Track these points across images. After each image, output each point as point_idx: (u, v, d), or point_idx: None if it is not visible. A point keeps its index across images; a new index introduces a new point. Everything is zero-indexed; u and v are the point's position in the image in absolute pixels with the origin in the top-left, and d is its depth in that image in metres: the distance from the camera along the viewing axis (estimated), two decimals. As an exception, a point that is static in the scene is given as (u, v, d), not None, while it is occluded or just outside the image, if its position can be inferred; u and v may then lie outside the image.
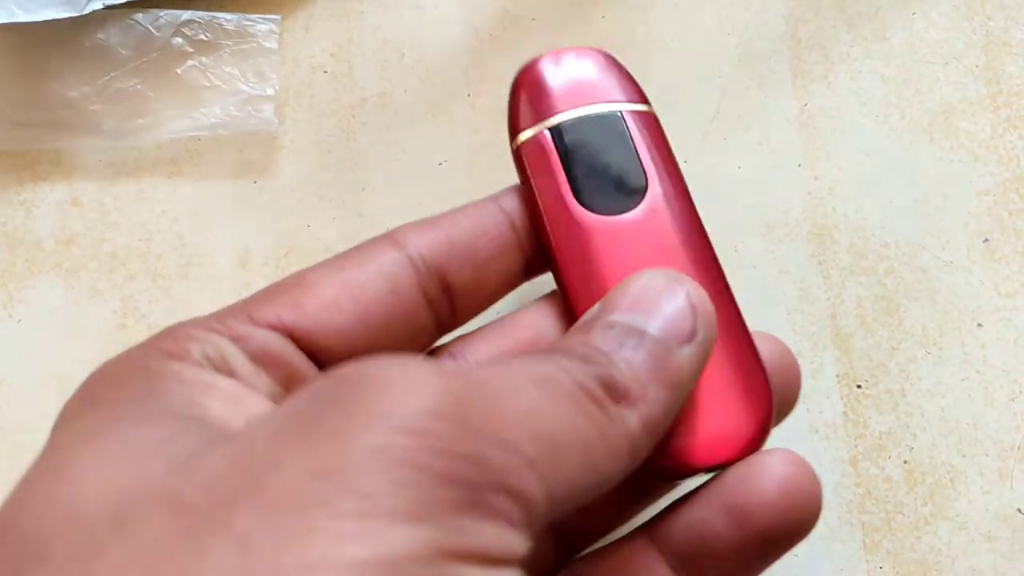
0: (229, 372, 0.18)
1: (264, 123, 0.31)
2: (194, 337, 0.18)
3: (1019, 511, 0.28)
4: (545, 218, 0.21)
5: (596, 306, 0.19)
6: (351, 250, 0.21)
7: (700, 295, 0.19)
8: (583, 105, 0.22)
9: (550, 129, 0.22)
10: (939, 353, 0.29)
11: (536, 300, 0.23)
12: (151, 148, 0.31)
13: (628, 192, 0.21)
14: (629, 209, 0.21)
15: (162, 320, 0.30)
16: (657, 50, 0.32)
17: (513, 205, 0.22)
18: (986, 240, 0.30)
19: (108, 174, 0.31)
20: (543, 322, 0.22)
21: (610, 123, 0.22)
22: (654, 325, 0.18)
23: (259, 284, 0.25)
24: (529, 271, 0.22)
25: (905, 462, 0.28)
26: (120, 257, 0.30)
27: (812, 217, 0.30)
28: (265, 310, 0.19)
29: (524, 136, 0.22)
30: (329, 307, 0.19)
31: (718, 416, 0.20)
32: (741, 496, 0.19)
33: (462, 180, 0.31)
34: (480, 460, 0.14)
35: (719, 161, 0.31)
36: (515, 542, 0.14)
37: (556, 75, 0.23)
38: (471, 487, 0.14)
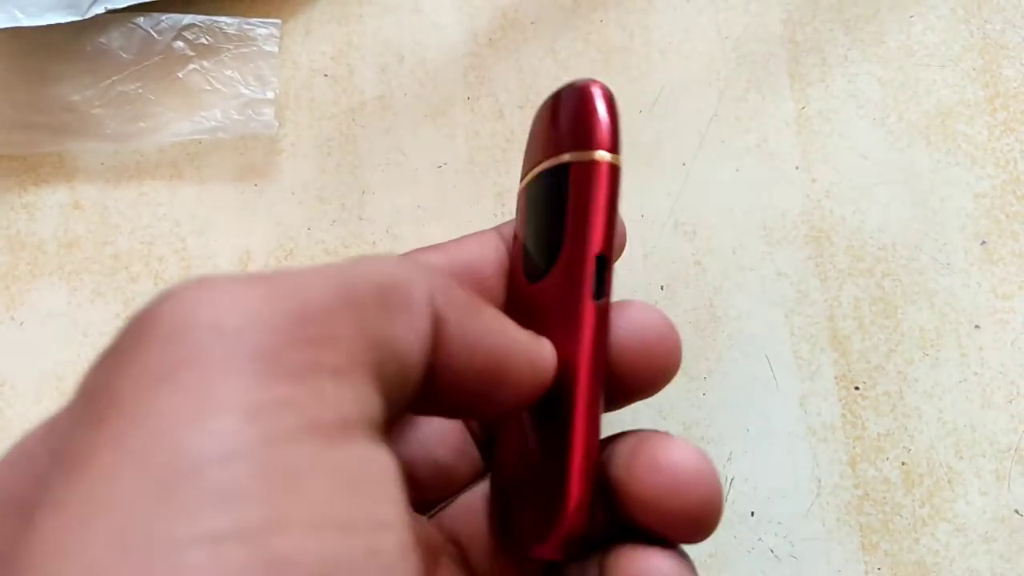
0: None
1: (264, 126, 0.31)
2: None
3: (1016, 512, 0.28)
4: (512, 272, 0.22)
5: None
6: None
7: None
8: (546, 158, 0.21)
9: (526, 184, 0.22)
10: (937, 355, 0.29)
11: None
12: (152, 151, 0.31)
13: (549, 256, 0.20)
14: (544, 274, 0.20)
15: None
16: (655, 53, 0.32)
17: (510, 232, 0.23)
18: (983, 242, 0.30)
19: (110, 177, 0.31)
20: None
21: (557, 179, 0.20)
22: None
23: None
24: None
25: (903, 464, 0.28)
26: (122, 259, 0.30)
27: (810, 219, 0.30)
28: None
29: (521, 184, 0.22)
30: None
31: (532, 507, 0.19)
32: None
33: (461, 182, 0.31)
34: (268, 323, 0.14)
35: (717, 164, 0.31)
36: (345, 396, 0.14)
37: (542, 117, 0.21)
38: (262, 353, 0.13)
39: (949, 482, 0.28)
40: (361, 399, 0.14)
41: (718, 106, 0.31)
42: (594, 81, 0.20)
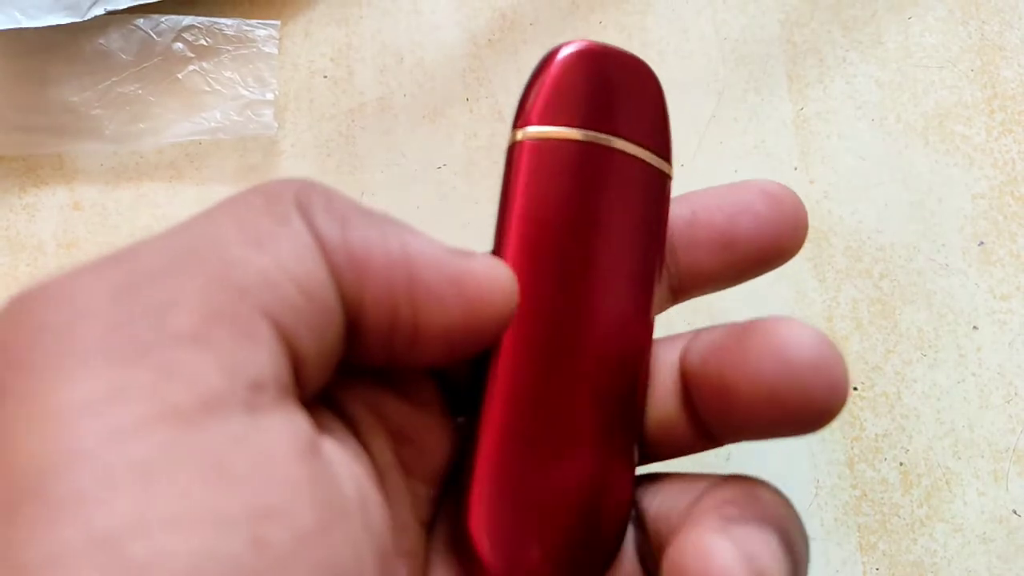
0: None
1: (264, 127, 0.31)
2: None
3: (1014, 513, 0.28)
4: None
5: None
6: None
7: None
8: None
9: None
10: (935, 356, 0.29)
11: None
12: (152, 152, 0.31)
13: None
14: None
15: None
16: (654, 54, 0.32)
17: None
18: (981, 243, 0.30)
19: (109, 178, 0.31)
20: None
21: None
22: None
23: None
24: None
25: (901, 464, 0.28)
26: (121, 260, 0.31)
27: (808, 220, 0.30)
28: None
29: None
30: None
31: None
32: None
33: (461, 184, 0.31)
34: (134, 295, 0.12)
35: (715, 164, 0.31)
36: (244, 357, 0.12)
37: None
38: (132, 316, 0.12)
39: (947, 482, 0.28)
40: (233, 364, 0.12)
41: (716, 107, 0.31)
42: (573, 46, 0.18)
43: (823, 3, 0.32)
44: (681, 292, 0.19)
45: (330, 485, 0.13)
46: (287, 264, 0.13)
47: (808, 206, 0.30)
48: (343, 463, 0.14)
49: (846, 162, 0.31)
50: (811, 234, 0.30)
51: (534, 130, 0.18)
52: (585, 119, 0.18)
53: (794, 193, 0.19)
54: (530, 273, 0.17)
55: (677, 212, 0.19)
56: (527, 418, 0.17)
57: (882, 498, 0.28)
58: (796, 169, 0.31)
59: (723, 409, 0.16)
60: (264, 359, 0.12)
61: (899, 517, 0.28)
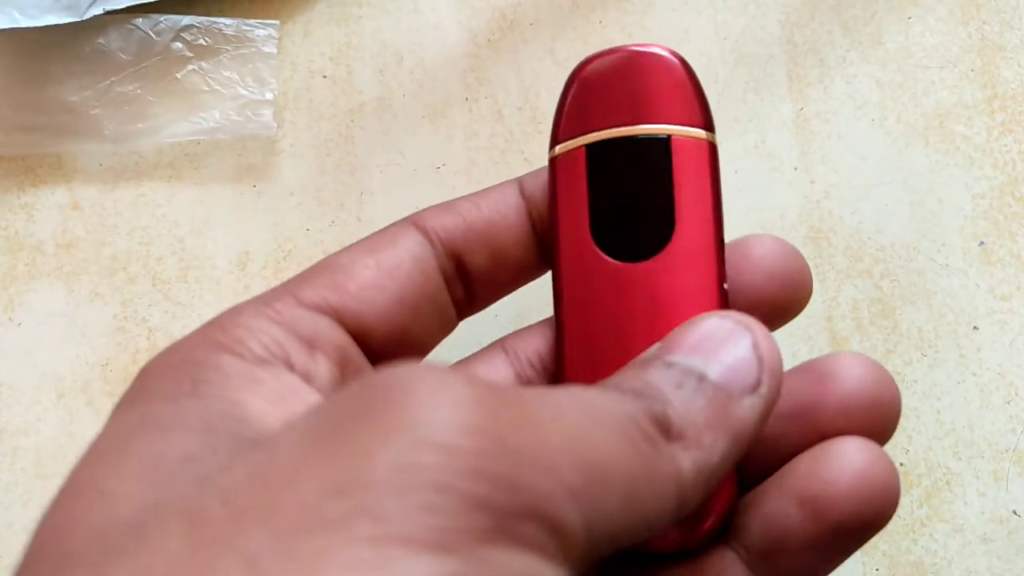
0: (286, 360, 0.17)
1: (263, 127, 0.31)
2: (246, 326, 0.17)
3: (1015, 513, 0.28)
4: (558, 245, 0.20)
5: (655, 346, 0.17)
6: (376, 234, 0.20)
7: (768, 345, 0.17)
8: (631, 124, 0.19)
9: (588, 147, 0.20)
10: (935, 356, 0.29)
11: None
12: (151, 152, 0.31)
13: (650, 236, 0.19)
14: (645, 257, 0.19)
15: (162, 323, 0.30)
16: (654, 54, 0.32)
17: (535, 188, 0.21)
18: (982, 243, 0.30)
19: (108, 178, 0.31)
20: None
21: (654, 150, 0.19)
22: (716, 371, 0.17)
23: (258, 288, 0.25)
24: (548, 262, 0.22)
25: (901, 464, 0.28)
26: (120, 260, 0.30)
27: (808, 220, 0.30)
28: (310, 292, 0.18)
29: (560, 148, 0.20)
30: (369, 287, 0.19)
31: None
32: (817, 488, 0.18)
33: (460, 184, 0.31)
34: (513, 483, 0.13)
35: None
36: (548, 573, 0.13)
37: (610, 79, 0.20)
38: (501, 513, 0.13)
39: (947, 483, 0.28)
40: None
41: (716, 107, 0.31)
42: (674, 51, 0.20)
43: (823, 3, 0.32)
44: None
45: None
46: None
47: (808, 206, 0.31)
48: None
49: (846, 162, 0.31)
50: (811, 234, 0.30)
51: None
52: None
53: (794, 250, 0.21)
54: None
55: None
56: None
57: (882, 498, 0.28)
58: (796, 169, 0.31)
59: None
60: None
61: (899, 517, 0.28)
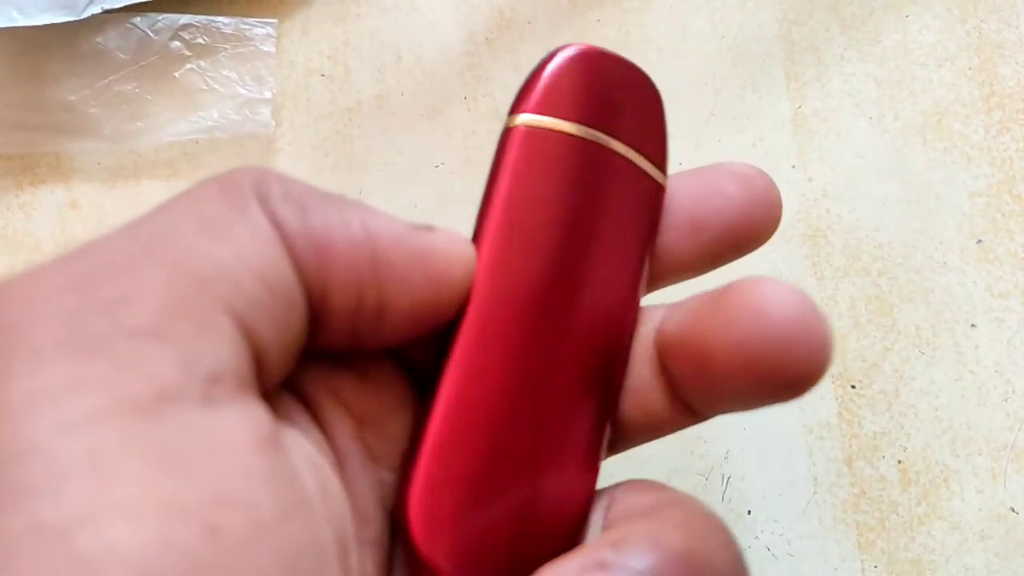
0: None
1: (261, 126, 0.31)
2: None
3: (1012, 510, 0.28)
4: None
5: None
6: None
7: None
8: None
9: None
10: (933, 353, 0.29)
11: None
12: (149, 151, 0.31)
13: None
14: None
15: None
16: (652, 52, 0.32)
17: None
18: (979, 241, 0.30)
19: (107, 177, 0.31)
20: None
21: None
22: None
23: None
24: None
25: (899, 462, 0.29)
26: (119, 259, 0.30)
27: (806, 219, 0.30)
28: None
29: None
30: None
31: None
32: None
33: (458, 182, 0.31)
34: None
35: (714, 163, 0.31)
36: (206, 353, 0.12)
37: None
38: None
39: (945, 480, 0.28)
40: (190, 357, 0.12)
41: (715, 105, 0.31)
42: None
43: (821, 1, 0.32)
44: (655, 279, 0.19)
45: (289, 475, 0.13)
46: (246, 254, 0.13)
47: (806, 204, 0.31)
48: (303, 453, 0.14)
49: (844, 160, 0.31)
50: (809, 232, 0.30)
51: (529, 118, 0.18)
52: (582, 115, 0.18)
53: (765, 174, 0.18)
54: (505, 255, 0.17)
55: None
56: (483, 400, 0.16)
57: (880, 496, 0.28)
58: (794, 167, 0.31)
59: (701, 375, 0.16)
60: (223, 352, 0.12)
61: (897, 515, 0.28)
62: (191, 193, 0.14)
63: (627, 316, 0.18)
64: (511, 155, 0.18)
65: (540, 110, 0.18)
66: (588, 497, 0.17)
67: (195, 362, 0.12)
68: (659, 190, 0.19)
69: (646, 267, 0.18)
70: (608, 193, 0.18)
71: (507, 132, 0.18)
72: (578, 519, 0.16)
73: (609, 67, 0.18)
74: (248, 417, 0.12)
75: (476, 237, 0.18)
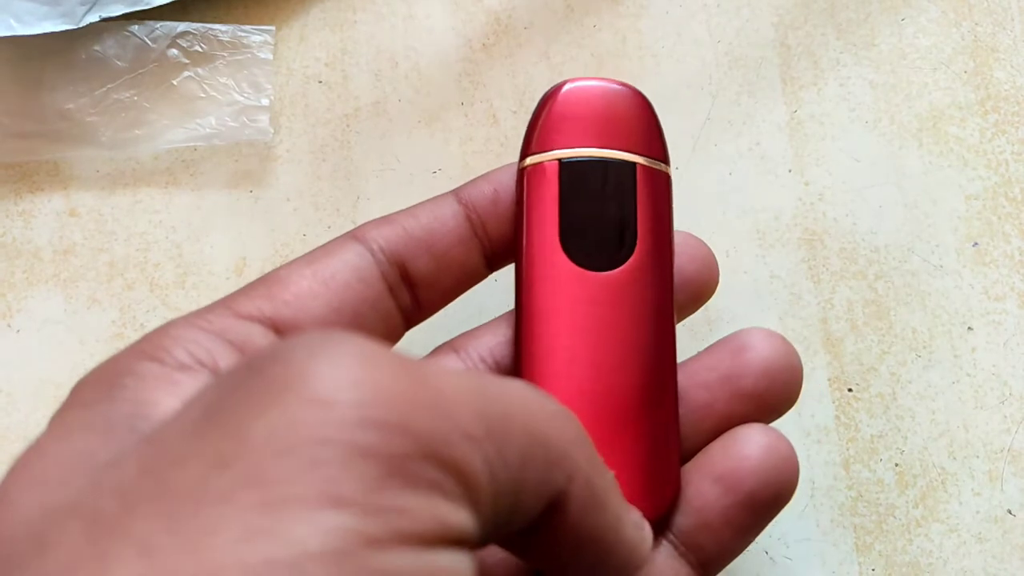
0: (214, 367, 0.17)
1: (259, 133, 0.31)
2: (174, 336, 0.18)
3: (1009, 513, 0.28)
4: (525, 249, 0.21)
5: None
6: (316, 249, 0.21)
7: None
8: (602, 147, 0.22)
9: (560, 161, 0.22)
10: (929, 357, 0.29)
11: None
12: (148, 158, 0.31)
13: (615, 250, 0.21)
14: (610, 268, 0.21)
15: (159, 329, 0.30)
16: (648, 57, 0.32)
17: (472, 197, 0.22)
18: (976, 244, 0.30)
19: (105, 184, 0.31)
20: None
21: (622, 173, 0.22)
22: None
23: (254, 294, 0.25)
24: (491, 264, 0.23)
25: (896, 465, 0.29)
26: (118, 267, 0.31)
27: (803, 222, 0.30)
28: (244, 304, 0.19)
29: (533, 159, 0.22)
30: (304, 296, 0.20)
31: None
32: (730, 465, 0.20)
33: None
34: (404, 428, 0.12)
35: (710, 167, 0.31)
36: (453, 516, 0.13)
37: (585, 105, 0.22)
38: (392, 458, 0.12)
39: (942, 483, 0.28)
40: (460, 522, 0.13)
41: (711, 109, 0.31)
42: (639, 91, 0.23)
43: (817, 6, 0.32)
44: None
45: None
46: (530, 498, 0.15)
47: (802, 208, 0.31)
48: None
49: (840, 164, 0.31)
50: (806, 236, 0.30)
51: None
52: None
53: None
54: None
55: None
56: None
57: (878, 499, 0.28)
58: (790, 171, 0.31)
59: None
60: (477, 531, 0.14)
61: (895, 518, 0.28)
62: (529, 410, 0.15)
63: (668, 292, 0.22)
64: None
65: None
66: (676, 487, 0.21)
67: (464, 527, 0.13)
68: (667, 179, 0.22)
69: (673, 242, 0.22)
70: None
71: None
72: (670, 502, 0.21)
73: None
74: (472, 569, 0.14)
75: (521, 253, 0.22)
